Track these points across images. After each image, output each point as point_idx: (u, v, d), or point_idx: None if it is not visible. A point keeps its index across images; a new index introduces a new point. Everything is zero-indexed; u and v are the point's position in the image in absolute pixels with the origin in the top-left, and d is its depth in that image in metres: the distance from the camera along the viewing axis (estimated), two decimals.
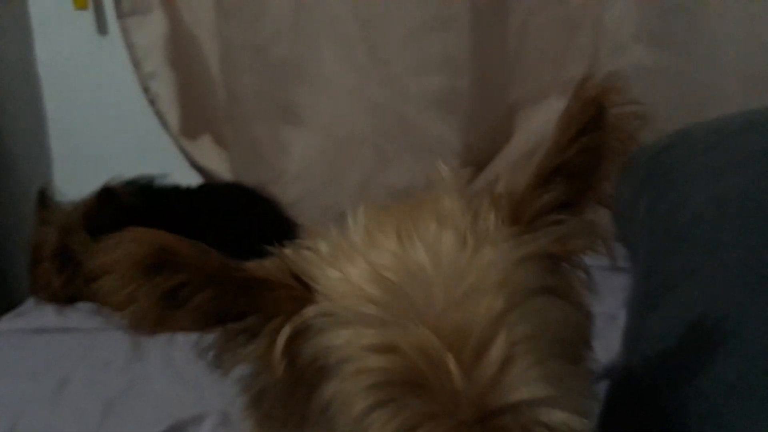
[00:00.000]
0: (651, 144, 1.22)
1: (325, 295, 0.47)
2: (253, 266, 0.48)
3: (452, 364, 0.42)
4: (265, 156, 1.57)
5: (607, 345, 0.88)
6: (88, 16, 1.68)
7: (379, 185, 1.55)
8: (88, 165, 1.71)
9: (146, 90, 1.60)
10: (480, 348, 0.43)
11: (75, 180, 1.53)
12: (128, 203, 1.36)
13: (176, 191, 1.46)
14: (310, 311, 0.47)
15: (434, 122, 1.50)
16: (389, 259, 0.47)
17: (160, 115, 1.59)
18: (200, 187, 1.53)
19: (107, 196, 1.34)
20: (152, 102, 1.59)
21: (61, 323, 1.30)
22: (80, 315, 1.33)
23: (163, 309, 0.47)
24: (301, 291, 0.47)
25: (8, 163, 1.90)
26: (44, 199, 1.43)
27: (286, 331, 0.46)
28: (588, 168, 0.48)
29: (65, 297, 1.35)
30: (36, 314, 1.35)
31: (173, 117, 1.58)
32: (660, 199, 1.07)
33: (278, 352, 0.47)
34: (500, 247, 0.47)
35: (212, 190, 1.52)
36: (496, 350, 0.42)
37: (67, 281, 1.34)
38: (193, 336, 1.29)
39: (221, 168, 1.62)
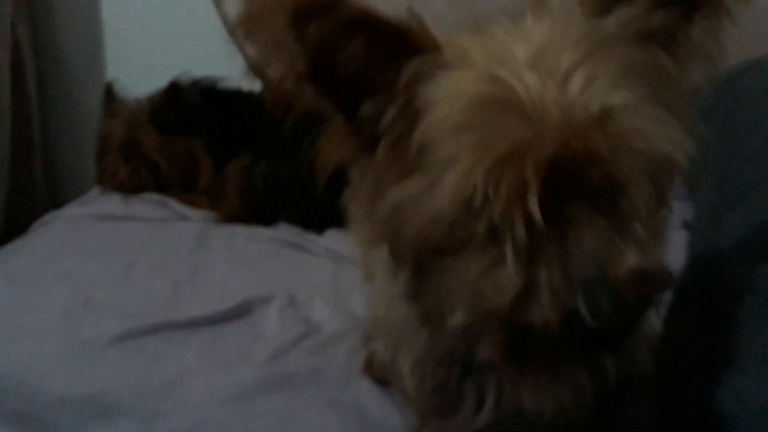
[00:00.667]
0: (719, 74, 1.20)
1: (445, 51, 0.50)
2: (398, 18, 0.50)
3: (545, 85, 0.45)
4: None
5: None
6: None
7: None
8: (143, 67, 1.73)
9: None
10: (567, 75, 0.46)
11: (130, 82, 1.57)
12: (193, 101, 1.37)
13: (238, 94, 1.46)
14: (430, 58, 0.49)
15: None
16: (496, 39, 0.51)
17: (224, 18, 1.57)
18: (262, 93, 1.53)
19: (175, 92, 1.36)
20: (217, 4, 1.58)
21: (127, 211, 1.34)
22: (144, 205, 1.37)
23: (308, 72, 0.48)
24: (431, 41, 0.50)
25: (66, 63, 1.93)
26: (111, 94, 1.45)
27: (409, 69, 0.49)
28: None
29: (131, 187, 1.38)
30: (102, 202, 1.38)
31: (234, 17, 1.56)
32: (731, 120, 1.06)
33: (401, 87, 0.49)
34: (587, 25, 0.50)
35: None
36: (580, 75, 0.46)
37: (133, 172, 1.37)
38: (253, 228, 1.32)
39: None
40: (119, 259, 1.16)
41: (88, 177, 1.87)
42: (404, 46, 0.49)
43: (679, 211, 1.15)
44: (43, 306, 1.03)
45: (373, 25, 0.48)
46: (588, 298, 0.43)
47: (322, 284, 1.11)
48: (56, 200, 1.97)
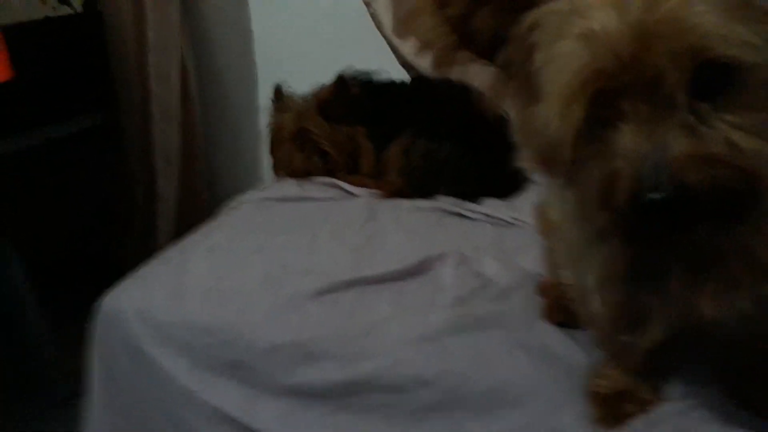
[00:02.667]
0: None
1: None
2: None
3: (614, 13, 0.51)
4: None
5: None
6: None
7: None
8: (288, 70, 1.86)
9: None
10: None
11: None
12: (356, 93, 1.47)
13: (393, 85, 1.55)
14: (545, 7, 0.57)
15: None
16: None
17: (374, 16, 1.67)
18: (413, 81, 1.61)
19: (341, 84, 1.46)
20: (368, 4, 1.67)
21: (303, 193, 1.44)
22: (317, 187, 1.47)
23: (457, 41, 0.60)
24: None
25: (221, 69, 2.11)
26: (279, 92, 1.57)
27: (527, 21, 0.57)
28: None
29: (304, 172, 1.50)
30: (280, 187, 1.50)
31: (387, 18, 1.65)
32: None
33: (520, 36, 0.58)
34: None
35: (425, 84, 1.58)
36: None
37: (305, 158, 1.48)
38: (414, 201, 1.38)
39: (429, 65, 1.68)
40: (303, 233, 1.26)
41: (246, 176, 2.04)
42: (522, 3, 0.57)
43: None
44: (246, 272, 1.14)
45: None
46: (648, 176, 0.49)
47: (488, 246, 1.16)
48: (218, 198, 2.12)
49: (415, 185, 1.37)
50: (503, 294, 1.00)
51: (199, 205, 2.14)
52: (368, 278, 1.05)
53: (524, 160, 0.64)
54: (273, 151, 1.54)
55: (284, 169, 1.52)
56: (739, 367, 0.74)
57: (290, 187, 1.48)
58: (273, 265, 1.15)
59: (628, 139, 0.52)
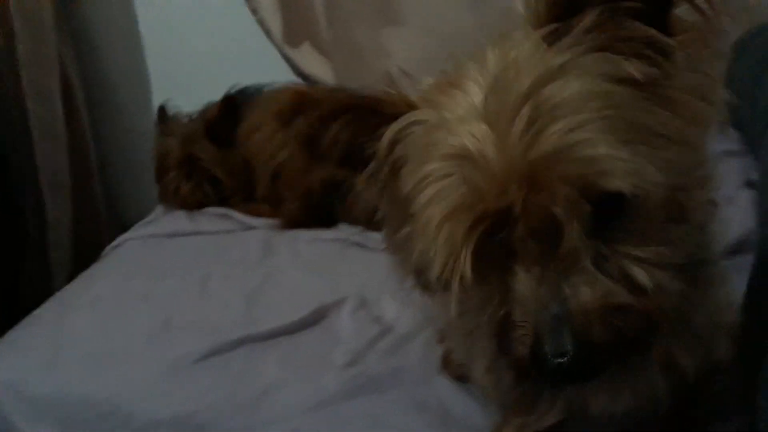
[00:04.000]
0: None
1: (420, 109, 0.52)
2: (371, 92, 0.54)
3: (487, 137, 0.46)
4: (367, 59, 1.52)
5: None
6: None
7: None
8: (186, 84, 1.74)
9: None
10: (509, 120, 0.45)
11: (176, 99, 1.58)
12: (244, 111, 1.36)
13: None
14: (407, 117, 0.52)
15: None
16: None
17: (262, 23, 1.55)
18: None
19: (229, 104, 1.35)
20: (254, 11, 1.55)
21: (193, 227, 1.34)
22: (209, 219, 1.37)
23: (308, 155, 0.54)
24: (407, 106, 0.53)
25: (112, 87, 1.95)
26: (164, 114, 1.45)
27: (387, 135, 0.52)
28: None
29: (194, 203, 1.39)
30: (168, 220, 1.39)
31: (276, 25, 1.54)
32: None
33: (382, 152, 0.52)
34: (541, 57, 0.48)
35: None
36: (525, 113, 0.45)
37: (194, 187, 1.37)
38: (314, 231, 1.31)
39: (323, 73, 1.59)
40: (193, 275, 1.17)
41: (147, 197, 1.90)
42: (382, 115, 0.52)
43: (740, 169, 1.09)
44: (128, 330, 1.05)
45: (351, 108, 0.53)
46: (552, 335, 0.45)
47: (389, 282, 1.09)
48: (119, 222, 1.97)
49: (314, 212, 1.29)
50: (402, 342, 0.95)
51: (99, 232, 1.98)
52: (258, 335, 0.97)
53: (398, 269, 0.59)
54: (159, 179, 1.42)
55: (171, 199, 1.40)
56: None
57: (179, 219, 1.37)
58: (158, 319, 1.06)
59: (522, 285, 0.46)
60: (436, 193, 0.47)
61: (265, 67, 1.61)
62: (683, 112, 0.47)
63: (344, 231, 1.27)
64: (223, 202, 1.39)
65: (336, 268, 1.16)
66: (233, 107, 1.36)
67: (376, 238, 1.25)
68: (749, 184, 1.05)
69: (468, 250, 0.46)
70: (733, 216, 0.92)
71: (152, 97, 1.94)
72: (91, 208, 1.98)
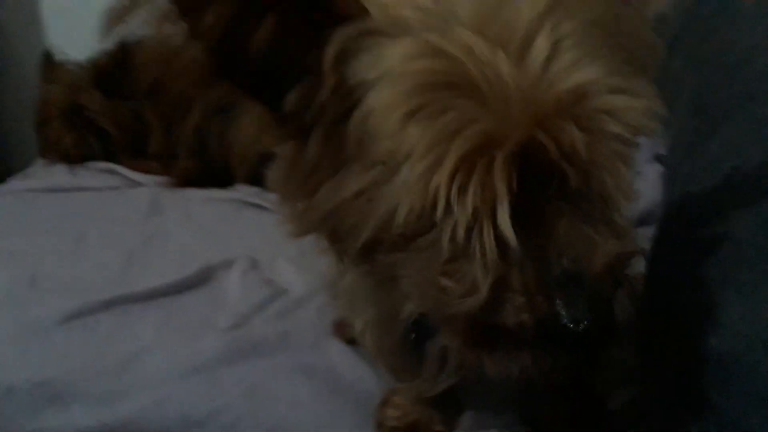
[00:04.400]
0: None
1: (375, 11, 0.40)
2: None
3: (501, 59, 0.37)
4: None
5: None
6: None
7: None
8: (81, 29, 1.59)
9: None
10: (525, 42, 0.37)
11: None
12: (141, 62, 1.24)
13: None
14: (357, 25, 0.40)
15: None
16: None
17: None
18: None
19: (124, 52, 1.22)
20: None
21: (74, 182, 1.22)
22: (92, 174, 1.25)
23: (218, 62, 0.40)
24: (355, 4, 0.40)
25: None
26: (49, 59, 1.31)
27: (334, 43, 0.39)
28: None
29: (77, 156, 1.26)
30: (46, 174, 1.26)
31: None
32: (703, 44, 0.98)
33: (327, 66, 0.39)
34: None
35: None
36: (542, 42, 0.37)
37: (78, 139, 1.24)
38: (209, 191, 1.20)
39: None
40: (67, 233, 1.05)
41: (31, 149, 1.73)
42: (324, 15, 0.39)
43: (648, 144, 1.08)
44: None
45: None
46: (566, 298, 0.38)
47: (285, 244, 1.02)
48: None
49: (210, 171, 1.19)
50: (294, 306, 0.87)
51: None
52: (134, 295, 0.87)
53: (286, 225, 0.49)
54: (39, 129, 1.28)
55: (53, 151, 1.27)
56: (527, 397, 0.67)
57: (60, 174, 1.24)
58: (22, 276, 0.93)
59: (539, 245, 0.39)
60: (439, 132, 0.37)
61: None
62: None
63: (242, 192, 1.18)
64: (109, 157, 1.26)
65: (228, 229, 1.07)
66: (128, 55, 1.23)
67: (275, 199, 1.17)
68: (657, 158, 1.05)
69: (504, 202, 0.37)
70: (642, 189, 0.91)
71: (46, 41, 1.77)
72: None
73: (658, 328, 0.61)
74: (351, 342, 0.78)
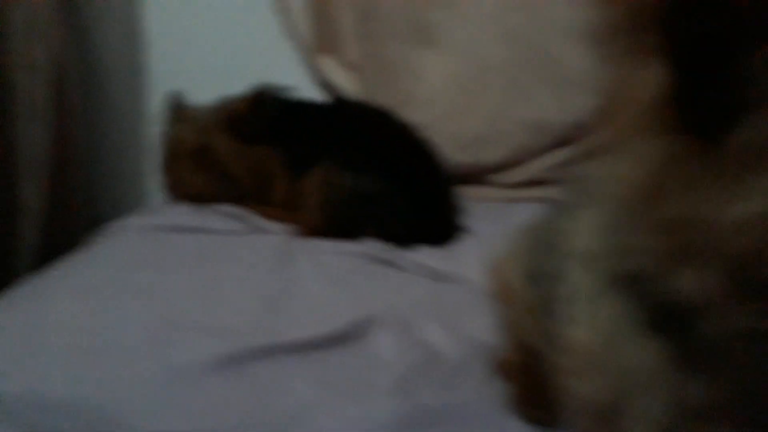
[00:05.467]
0: None
1: None
2: None
3: None
4: (397, 77, 1.42)
5: None
6: None
7: (509, 117, 1.40)
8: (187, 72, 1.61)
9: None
10: None
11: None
12: (272, 112, 1.22)
13: (313, 105, 1.32)
14: None
15: (576, 54, 1.35)
16: None
17: (290, 26, 1.43)
18: (335, 103, 1.39)
19: (260, 99, 1.21)
20: (282, 13, 1.43)
21: (201, 223, 1.18)
22: (218, 217, 1.21)
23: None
24: None
25: (103, 64, 1.79)
26: (178, 100, 1.30)
27: None
28: None
29: (204, 197, 1.23)
30: (172, 213, 1.23)
31: (305, 30, 1.43)
32: None
33: None
34: None
35: (347, 107, 1.37)
36: None
37: (207, 181, 1.21)
38: (337, 243, 1.14)
39: (350, 86, 1.48)
40: (201, 274, 1.00)
41: (126, 193, 1.72)
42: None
43: None
44: (121, 325, 0.87)
45: None
46: None
47: (427, 305, 0.96)
48: (93, 216, 1.82)
49: (338, 223, 1.15)
50: (454, 373, 0.80)
51: (72, 225, 1.78)
52: (285, 345, 0.81)
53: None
54: (167, 168, 1.26)
55: (180, 191, 1.24)
56: None
57: (185, 213, 1.21)
58: (159, 315, 0.88)
59: None
60: None
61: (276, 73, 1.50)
62: None
63: (371, 246, 1.13)
64: (236, 201, 1.23)
65: (363, 284, 1.01)
66: (263, 103, 1.22)
67: (405, 256, 1.12)
68: None
69: None
70: None
71: (148, 88, 1.79)
72: (67, 199, 1.79)
73: None
74: (538, 422, 0.70)
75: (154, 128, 1.60)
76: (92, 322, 0.87)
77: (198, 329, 0.85)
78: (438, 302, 0.96)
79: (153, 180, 1.70)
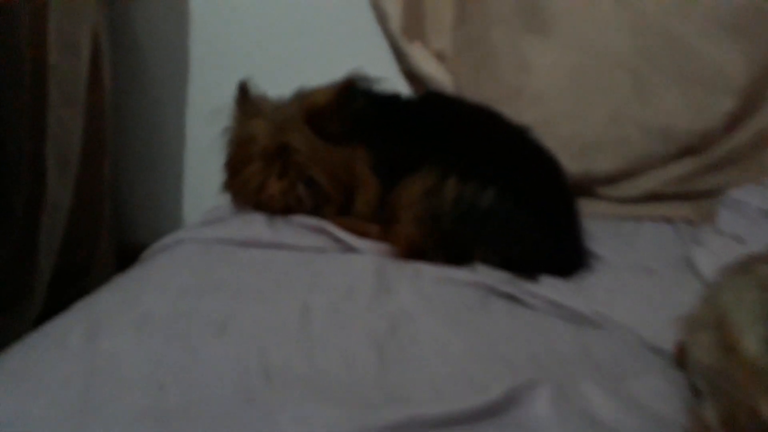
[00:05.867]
0: None
1: None
2: None
3: None
4: (500, 69, 1.22)
5: None
6: None
7: (630, 120, 1.20)
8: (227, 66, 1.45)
9: None
10: None
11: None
12: (359, 106, 1.02)
13: (407, 100, 1.12)
14: None
15: (715, 47, 1.14)
16: None
17: (379, 9, 1.23)
18: (427, 98, 1.19)
19: (348, 91, 1.00)
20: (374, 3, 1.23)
21: (275, 238, 0.98)
22: (296, 230, 1.01)
23: None
24: None
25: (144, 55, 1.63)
26: (245, 90, 1.10)
27: None
28: None
29: (282, 207, 1.03)
30: (239, 224, 1.03)
31: (395, 10, 1.23)
32: None
33: None
34: None
35: (447, 103, 1.16)
36: None
37: (287, 187, 1.01)
38: (441, 268, 0.92)
39: (440, 75, 1.27)
40: (286, 303, 0.81)
41: (160, 186, 1.52)
42: None
43: None
44: (203, 372, 0.67)
45: None
46: None
47: (576, 358, 0.76)
48: (120, 211, 1.70)
49: (443, 243, 0.94)
50: None
51: (97, 223, 1.61)
52: (425, 419, 0.61)
53: None
54: (233, 169, 1.05)
55: (250, 197, 1.04)
56: None
57: (256, 225, 1.01)
58: (245, 362, 0.69)
59: None
60: None
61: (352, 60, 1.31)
62: None
63: (483, 273, 0.93)
64: (313, 211, 1.03)
65: (487, 326, 0.81)
66: (351, 95, 1.01)
67: (530, 290, 0.91)
68: None
69: None
70: None
71: (189, 82, 1.63)
72: (95, 196, 1.62)
73: None
74: None
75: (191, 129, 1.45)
76: (163, 371, 0.68)
77: (302, 384, 0.66)
78: (589, 356, 0.76)
79: (190, 184, 1.55)
